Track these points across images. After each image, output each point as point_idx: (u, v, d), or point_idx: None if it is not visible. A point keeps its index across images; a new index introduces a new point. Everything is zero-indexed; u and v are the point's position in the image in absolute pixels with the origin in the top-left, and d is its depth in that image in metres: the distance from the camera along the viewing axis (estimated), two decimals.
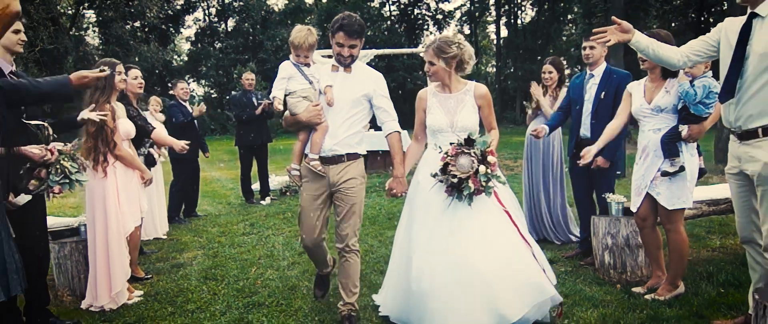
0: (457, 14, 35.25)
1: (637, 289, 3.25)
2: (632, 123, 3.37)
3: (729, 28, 2.53)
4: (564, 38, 28.11)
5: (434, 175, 2.67)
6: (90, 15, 25.65)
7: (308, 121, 2.81)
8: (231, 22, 32.13)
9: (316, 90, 2.85)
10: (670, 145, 3.03)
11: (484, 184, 2.57)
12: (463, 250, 2.57)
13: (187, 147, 3.87)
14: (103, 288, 3.36)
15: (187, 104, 6.13)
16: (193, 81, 31.56)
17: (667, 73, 3.05)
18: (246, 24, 30.05)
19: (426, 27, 34.65)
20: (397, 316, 2.85)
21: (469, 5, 34.96)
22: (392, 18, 34.64)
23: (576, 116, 3.89)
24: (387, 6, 34.72)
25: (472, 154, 2.59)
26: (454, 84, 2.88)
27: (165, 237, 5.25)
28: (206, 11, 32.58)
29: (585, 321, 2.85)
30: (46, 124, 2.35)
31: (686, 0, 21.84)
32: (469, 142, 2.64)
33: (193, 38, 31.93)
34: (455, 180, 2.57)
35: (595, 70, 3.81)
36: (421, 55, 2.98)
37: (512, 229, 2.70)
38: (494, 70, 36.49)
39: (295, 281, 3.71)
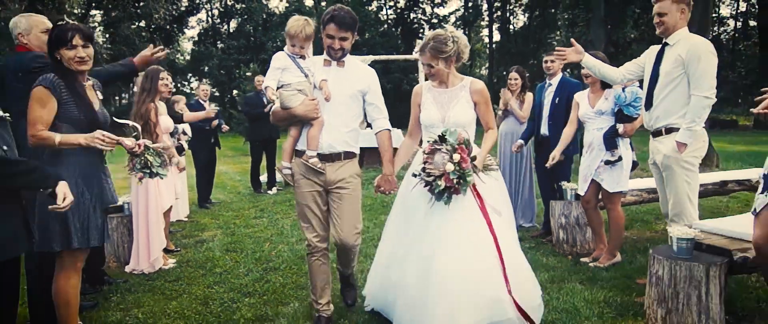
0: (452, 19, 35.95)
1: (583, 259, 3.93)
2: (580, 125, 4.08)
3: (650, 53, 3.23)
4: (554, 43, 28.90)
5: (416, 175, 2.58)
6: (95, 15, 26.20)
7: (304, 116, 2.66)
8: (233, 23, 32.74)
9: (312, 83, 2.72)
10: (610, 140, 3.71)
11: (456, 182, 2.42)
12: (431, 253, 2.50)
13: (216, 109, 4.76)
14: (143, 255, 4.01)
15: (206, 103, 6.78)
16: (195, 80, 32.11)
17: (605, 85, 3.73)
18: (248, 25, 30.67)
19: (421, 31, 35.33)
20: (380, 307, 2.90)
21: (463, 11, 35.67)
22: (389, 22, 35.29)
23: (537, 117, 4.60)
24: (384, 10, 35.39)
25: (444, 151, 2.47)
26: (451, 78, 2.78)
27: (186, 219, 5.90)
28: (209, 12, 33.19)
29: (539, 280, 3.52)
30: (136, 125, 2.93)
31: None
32: (442, 138, 2.51)
33: (196, 38, 32.50)
34: (430, 178, 2.48)
35: (553, 80, 4.50)
36: (418, 58, 2.80)
37: (487, 238, 2.53)
38: (487, 72, 37.22)
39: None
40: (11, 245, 2.05)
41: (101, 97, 2.64)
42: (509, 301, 2.48)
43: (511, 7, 35.27)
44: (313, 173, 2.73)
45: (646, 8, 15.32)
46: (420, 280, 2.49)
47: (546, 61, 4.56)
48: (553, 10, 24.94)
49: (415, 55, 12.88)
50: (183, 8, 28.76)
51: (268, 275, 3.78)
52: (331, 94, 2.67)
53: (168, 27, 27.17)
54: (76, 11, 24.70)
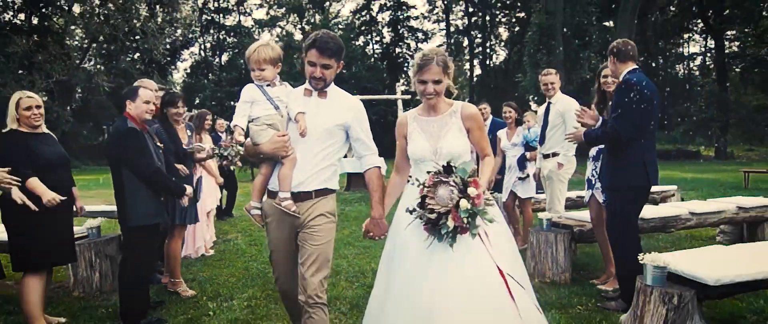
0: None
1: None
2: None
3: (541, 108, 5.12)
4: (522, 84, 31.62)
5: (412, 211, 2.31)
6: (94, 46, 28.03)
7: (273, 153, 2.48)
8: (225, 56, 34.85)
9: (284, 115, 2.54)
10: (521, 162, 5.58)
11: (466, 221, 2.17)
12: (431, 303, 2.22)
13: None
14: (189, 243, 5.70)
15: (223, 134, 8.57)
16: (187, 111, 33.95)
17: (519, 123, 5.64)
18: (240, 59, 32.78)
19: (406, 65, 37.84)
20: None
21: (445, 47, 38.38)
22: (375, 56, 37.76)
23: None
24: (370, 45, 37.93)
25: (452, 184, 2.21)
26: (441, 104, 2.58)
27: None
28: (201, 46, 35.30)
29: None
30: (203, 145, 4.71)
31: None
32: (448, 169, 2.27)
33: (189, 70, 34.47)
34: (433, 216, 2.20)
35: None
36: (415, 75, 2.53)
37: (499, 283, 2.27)
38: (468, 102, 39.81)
39: None
40: (158, 215, 3.74)
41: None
42: None
43: (491, 44, 38.14)
44: (286, 216, 2.50)
45: (600, 53, 17.80)
46: None
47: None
48: (517, 53, 27.62)
49: (397, 96, 14.49)
50: (178, 43, 30.73)
51: None
52: (306, 129, 2.46)
53: (163, 60, 29.06)
54: (81, 44, 26.53)
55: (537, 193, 5.73)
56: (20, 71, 21.70)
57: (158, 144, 3.63)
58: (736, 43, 29.25)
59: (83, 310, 3.87)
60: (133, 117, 3.40)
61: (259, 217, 2.66)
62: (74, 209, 3.81)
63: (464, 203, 2.14)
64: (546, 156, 5.01)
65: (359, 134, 2.60)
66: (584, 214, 4.71)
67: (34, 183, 3.18)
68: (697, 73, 33.36)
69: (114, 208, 3.96)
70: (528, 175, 5.55)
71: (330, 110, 2.54)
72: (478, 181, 2.23)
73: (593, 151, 4.33)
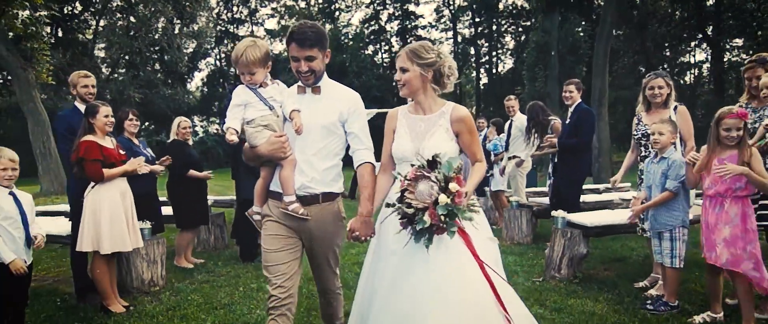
0: None
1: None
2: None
3: (508, 124, 7.45)
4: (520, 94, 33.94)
5: (390, 205, 2.30)
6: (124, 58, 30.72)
7: (270, 156, 2.46)
8: None
9: (279, 115, 2.51)
10: (490, 165, 7.89)
11: (443, 220, 2.13)
12: (413, 303, 2.22)
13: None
14: None
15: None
16: (204, 120, 36.58)
17: (500, 131, 7.97)
18: None
19: None
20: None
21: (453, 56, 40.74)
22: (384, 65, 40.23)
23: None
24: (379, 54, 40.43)
25: (433, 180, 2.17)
26: (430, 103, 2.56)
27: None
28: (217, 57, 38.00)
29: None
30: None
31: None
32: (433, 163, 2.22)
33: (205, 80, 37.16)
34: (411, 211, 2.17)
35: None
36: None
37: (482, 284, 2.23)
38: (474, 109, 42.21)
39: None
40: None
41: None
42: None
43: (497, 53, 40.51)
44: (292, 219, 2.51)
45: (594, 69, 20.02)
46: None
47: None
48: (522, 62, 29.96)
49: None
50: (198, 55, 33.43)
51: None
52: (302, 126, 2.44)
53: (184, 69, 31.72)
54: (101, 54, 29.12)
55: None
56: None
57: None
58: (734, 54, 31.34)
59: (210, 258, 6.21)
60: None
61: (260, 223, 2.67)
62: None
63: (443, 198, 2.11)
64: (510, 158, 7.29)
65: (354, 127, 2.58)
66: (543, 199, 7.00)
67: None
68: (690, 82, 35.39)
69: None
70: (492, 174, 7.75)
71: (326, 106, 2.54)
72: (461, 178, 2.22)
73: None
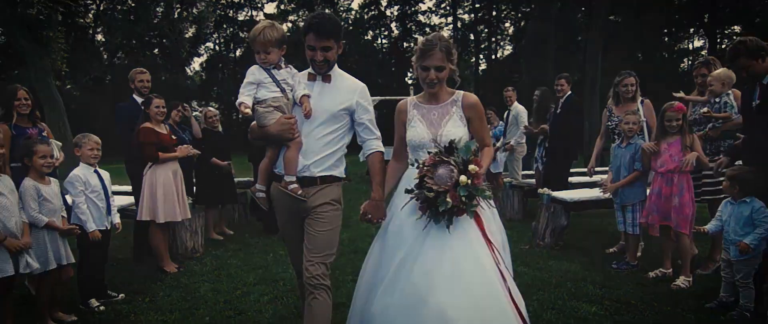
0: None
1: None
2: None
3: (511, 113, 8.33)
4: (516, 80, 34.77)
5: (409, 191, 2.44)
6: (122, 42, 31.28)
7: (279, 136, 2.59)
8: (239, 51, 38.05)
9: (289, 99, 2.66)
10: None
11: (464, 200, 2.29)
12: (427, 287, 2.30)
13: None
14: None
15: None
16: (202, 104, 37.29)
17: (499, 117, 8.84)
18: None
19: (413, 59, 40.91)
20: None
21: (452, 41, 41.30)
22: (384, 50, 40.87)
23: None
24: (378, 40, 41.04)
25: (452, 163, 2.33)
26: (442, 93, 2.70)
27: None
28: (216, 41, 38.56)
29: None
30: None
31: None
32: (450, 149, 2.39)
33: (205, 65, 37.78)
34: (431, 194, 2.31)
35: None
36: (418, 61, 2.65)
37: (491, 264, 2.37)
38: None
39: None
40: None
41: None
42: None
43: (496, 39, 41.17)
44: (292, 201, 2.64)
45: (587, 57, 20.88)
46: (409, 319, 2.30)
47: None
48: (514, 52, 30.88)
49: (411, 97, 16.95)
50: (196, 38, 33.98)
51: None
52: (311, 110, 2.58)
53: (183, 53, 32.35)
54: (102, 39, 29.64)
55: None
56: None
57: None
58: (731, 41, 32.06)
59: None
60: None
61: (265, 200, 2.81)
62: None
63: (463, 179, 2.24)
64: (504, 148, 8.17)
65: (362, 118, 2.71)
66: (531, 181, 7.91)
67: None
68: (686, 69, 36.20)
69: None
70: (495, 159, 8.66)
71: (334, 94, 2.67)
72: (479, 160, 2.35)
73: None
